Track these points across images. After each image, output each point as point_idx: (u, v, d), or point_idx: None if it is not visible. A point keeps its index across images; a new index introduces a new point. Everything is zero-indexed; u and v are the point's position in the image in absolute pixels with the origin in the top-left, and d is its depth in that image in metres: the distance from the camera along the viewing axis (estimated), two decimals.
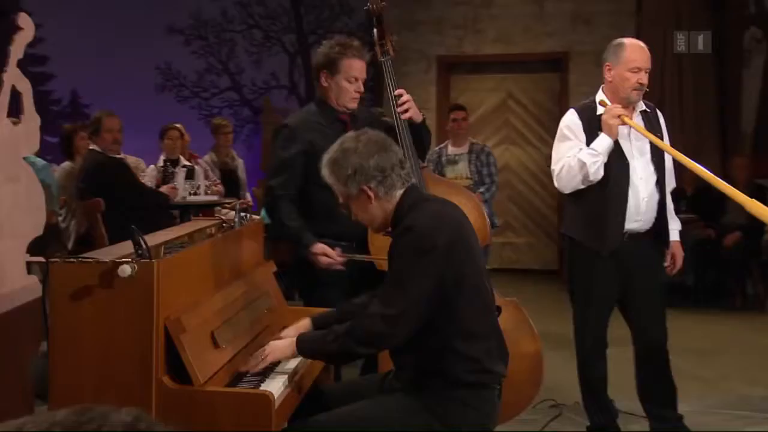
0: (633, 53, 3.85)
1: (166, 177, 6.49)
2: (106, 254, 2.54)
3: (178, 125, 7.05)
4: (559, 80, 9.10)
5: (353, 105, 3.83)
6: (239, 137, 8.10)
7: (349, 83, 3.78)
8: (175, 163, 6.76)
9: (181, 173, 6.45)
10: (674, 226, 4.01)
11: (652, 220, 3.90)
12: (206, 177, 6.84)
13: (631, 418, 4.27)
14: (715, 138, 8.58)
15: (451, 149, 6.62)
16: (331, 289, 3.73)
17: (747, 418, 4.57)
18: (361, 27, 9.27)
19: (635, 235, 3.87)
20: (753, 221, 7.94)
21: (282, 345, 2.80)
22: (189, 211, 6.49)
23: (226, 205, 6.44)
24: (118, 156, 5.96)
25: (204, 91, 9.13)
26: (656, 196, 3.89)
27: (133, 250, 2.53)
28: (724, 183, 3.11)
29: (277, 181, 3.76)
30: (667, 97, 8.42)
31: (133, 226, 2.47)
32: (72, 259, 2.45)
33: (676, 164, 3.87)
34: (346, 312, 2.98)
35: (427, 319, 2.57)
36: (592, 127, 3.84)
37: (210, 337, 2.65)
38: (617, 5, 8.76)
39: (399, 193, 2.67)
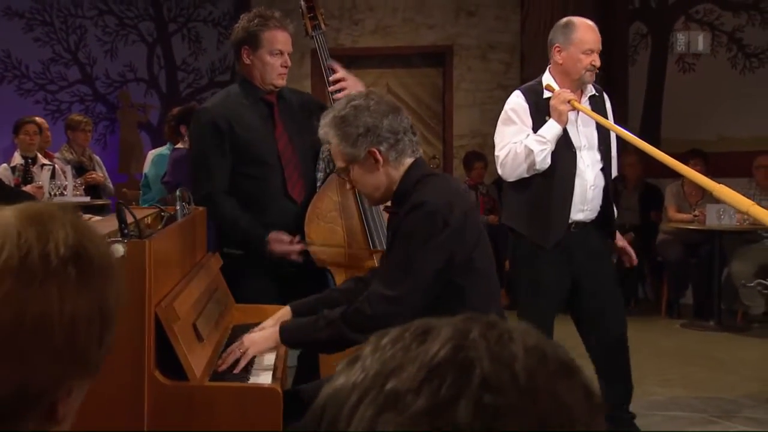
0: (585, 34, 4.00)
1: (26, 176, 6.16)
2: None
3: (37, 119, 6.75)
4: (442, 75, 9.31)
5: (281, 82, 3.79)
6: (92, 135, 7.80)
7: (273, 57, 3.73)
8: (33, 161, 6.45)
9: (45, 172, 6.16)
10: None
11: (598, 208, 4.05)
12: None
13: None
14: None
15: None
16: (258, 280, 3.68)
17: (684, 418, 4.82)
18: (227, 15, 9.15)
19: (581, 225, 4.00)
20: (646, 222, 8.42)
21: (261, 337, 2.73)
22: None
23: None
24: None
25: (50, 84, 8.69)
26: (602, 184, 4.05)
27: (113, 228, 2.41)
28: (688, 168, 3.25)
29: (207, 179, 3.68)
30: None
31: (119, 201, 2.35)
32: None
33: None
34: (329, 299, 2.93)
35: (429, 305, 2.56)
36: (539, 111, 3.94)
37: (193, 329, 2.56)
38: None
39: (408, 161, 2.66)
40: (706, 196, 7.76)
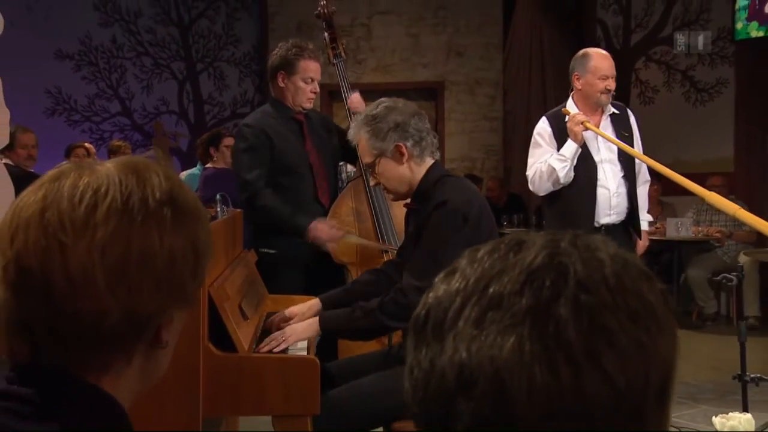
0: (600, 62, 4.03)
1: None
2: None
3: (86, 144, 6.81)
4: (435, 108, 9.36)
5: (309, 105, 3.85)
6: None
7: (305, 84, 3.79)
8: None
9: None
10: (644, 217, 4.19)
11: (625, 211, 4.05)
12: None
13: None
14: None
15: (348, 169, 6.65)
16: (288, 275, 3.69)
17: None
18: (247, 56, 9.26)
19: (610, 227, 3.99)
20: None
21: (301, 327, 2.67)
22: None
23: None
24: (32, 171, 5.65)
25: (95, 116, 8.79)
26: (625, 189, 4.04)
27: None
28: (687, 180, 3.27)
29: (253, 174, 3.69)
30: (532, 123, 8.81)
31: None
32: None
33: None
34: (354, 291, 2.90)
35: None
36: (562, 133, 3.96)
37: (239, 309, 2.58)
38: (487, 39, 9.16)
39: (429, 160, 2.66)
40: (663, 212, 7.86)
